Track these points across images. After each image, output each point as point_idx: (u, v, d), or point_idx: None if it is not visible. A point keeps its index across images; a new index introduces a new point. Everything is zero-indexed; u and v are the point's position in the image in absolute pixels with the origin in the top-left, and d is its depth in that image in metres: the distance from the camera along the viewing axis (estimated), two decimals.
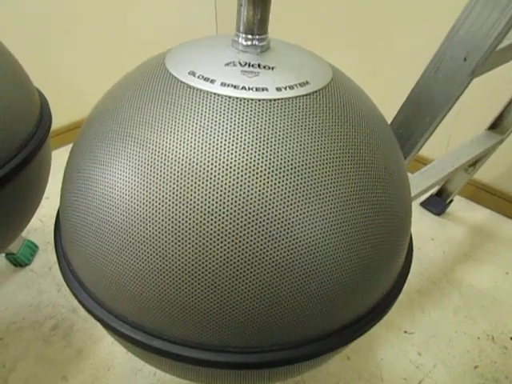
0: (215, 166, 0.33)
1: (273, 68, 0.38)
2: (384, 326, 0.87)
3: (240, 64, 0.37)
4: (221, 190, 0.32)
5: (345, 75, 0.43)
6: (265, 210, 0.32)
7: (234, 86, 0.35)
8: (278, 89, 0.36)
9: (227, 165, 0.32)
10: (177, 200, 0.33)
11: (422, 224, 1.13)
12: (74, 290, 0.42)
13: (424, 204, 1.16)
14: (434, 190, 1.15)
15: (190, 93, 0.35)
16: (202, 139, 0.33)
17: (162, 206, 0.33)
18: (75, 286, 0.42)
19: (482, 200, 1.18)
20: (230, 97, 0.35)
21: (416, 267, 1.00)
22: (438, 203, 1.13)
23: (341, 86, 0.40)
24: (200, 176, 0.33)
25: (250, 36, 0.39)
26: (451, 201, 1.13)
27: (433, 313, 0.90)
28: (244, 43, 0.39)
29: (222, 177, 0.32)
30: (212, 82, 0.36)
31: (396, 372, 0.79)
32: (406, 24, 1.11)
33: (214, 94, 0.35)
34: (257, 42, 0.39)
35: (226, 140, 0.33)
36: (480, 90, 0.94)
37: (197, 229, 0.32)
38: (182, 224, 0.33)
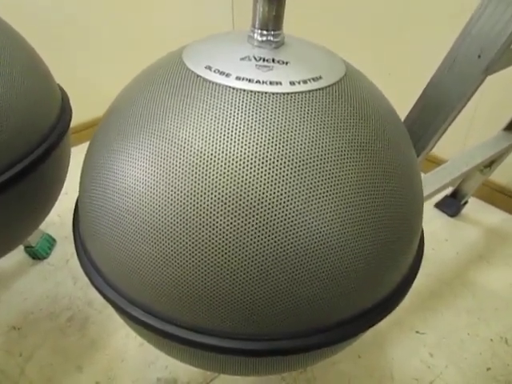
0: (230, 158, 0.34)
1: (287, 63, 0.38)
2: (396, 325, 0.86)
3: (255, 58, 0.38)
4: (236, 182, 0.33)
5: (358, 70, 0.44)
6: (279, 202, 0.33)
7: (249, 80, 0.36)
8: (292, 83, 0.36)
9: (242, 157, 0.33)
10: (192, 191, 0.34)
11: (436, 225, 1.12)
12: (91, 276, 0.43)
13: (438, 205, 1.15)
14: (448, 191, 1.14)
15: (206, 86, 0.36)
16: (218, 131, 0.34)
17: (178, 195, 0.34)
18: (92, 273, 0.44)
19: (497, 202, 1.17)
20: (244, 90, 0.36)
21: (429, 268, 0.99)
22: (452, 204, 1.12)
23: (354, 81, 0.40)
24: (216, 168, 0.34)
25: (265, 32, 0.40)
26: (466, 202, 1.12)
27: (445, 314, 0.89)
28: (259, 38, 0.40)
29: (237, 168, 0.33)
30: (227, 75, 0.37)
31: (407, 372, 0.79)
32: (421, 24, 1.11)
33: (229, 87, 0.36)
34: (271, 38, 0.40)
35: (240, 132, 0.34)
36: (496, 90, 0.93)
37: (211, 218, 0.33)
38: (197, 213, 0.34)
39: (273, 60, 0.38)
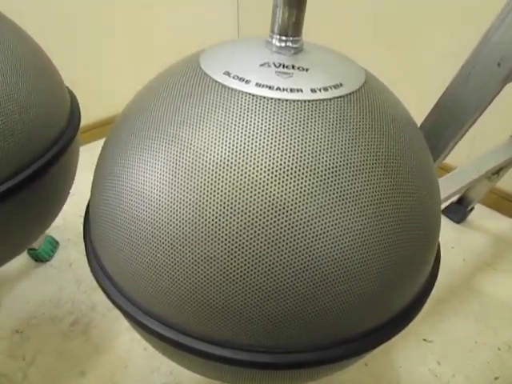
0: (250, 166, 0.33)
1: (307, 69, 0.38)
2: (403, 332, 0.86)
3: (274, 65, 0.38)
4: (255, 190, 0.32)
5: (377, 78, 0.43)
6: (298, 210, 0.32)
7: (269, 87, 0.35)
8: (313, 90, 0.36)
9: (262, 165, 0.33)
10: (211, 199, 0.33)
11: (441, 231, 1.11)
12: (102, 283, 0.42)
13: (444, 211, 1.14)
14: (454, 198, 1.13)
15: (225, 92, 0.36)
16: (238, 139, 0.34)
17: (196, 204, 0.34)
18: (103, 280, 0.43)
19: (504, 209, 1.16)
20: (264, 97, 0.35)
21: None
22: (458, 211, 1.11)
23: (373, 89, 0.40)
24: (235, 176, 0.33)
25: (284, 37, 0.39)
26: (472, 209, 1.11)
27: (453, 321, 0.89)
28: (278, 44, 0.39)
29: (257, 176, 0.33)
30: (247, 82, 0.36)
31: (414, 380, 0.78)
32: (436, 27, 1.11)
33: (249, 94, 0.35)
34: (291, 44, 0.39)
35: (261, 140, 0.33)
36: (504, 96, 0.93)
37: (231, 228, 0.33)
38: (216, 223, 0.33)
39: (293, 66, 0.38)
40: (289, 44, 0.39)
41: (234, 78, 0.36)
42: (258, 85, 0.36)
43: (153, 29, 1.41)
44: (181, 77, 0.40)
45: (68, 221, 1.10)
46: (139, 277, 0.38)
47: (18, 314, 0.89)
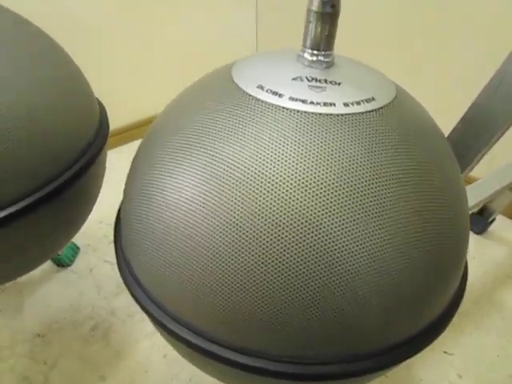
0: (285, 180, 0.33)
1: (339, 83, 0.38)
2: None
3: (307, 79, 0.38)
4: (289, 205, 0.33)
5: (406, 91, 0.43)
6: (331, 224, 0.33)
7: (303, 101, 0.36)
8: (346, 104, 0.36)
9: (297, 179, 0.33)
10: (244, 212, 0.34)
11: None
12: (133, 290, 0.43)
13: None
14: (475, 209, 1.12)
15: (259, 106, 0.36)
16: (272, 152, 0.34)
17: (230, 216, 0.34)
18: (134, 287, 0.43)
19: None
20: (298, 111, 0.35)
21: None
22: (479, 222, 1.10)
23: (404, 103, 0.40)
24: (269, 189, 0.33)
25: (315, 52, 0.40)
26: (493, 220, 1.10)
27: (474, 334, 0.87)
28: (310, 58, 0.40)
29: (292, 191, 0.33)
30: (280, 96, 0.36)
31: None
32: (461, 39, 1.10)
33: (283, 107, 0.36)
34: (322, 58, 0.40)
35: (295, 154, 0.34)
36: None
37: (265, 241, 0.33)
38: (250, 236, 0.33)
39: (325, 80, 0.38)
40: (320, 58, 0.40)
41: (267, 91, 0.37)
42: (291, 98, 0.36)
43: (169, 40, 1.43)
44: (214, 90, 0.40)
45: (88, 227, 1.11)
46: (170, 285, 0.38)
47: (40, 318, 0.91)
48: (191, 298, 0.37)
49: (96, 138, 0.55)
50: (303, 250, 0.33)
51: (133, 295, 0.43)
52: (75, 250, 1.02)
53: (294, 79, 0.38)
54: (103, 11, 1.26)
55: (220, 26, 1.52)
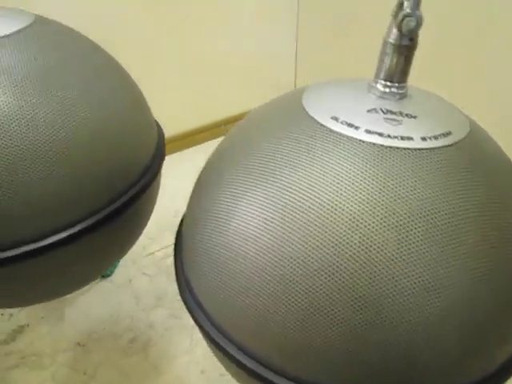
0: (364, 215, 0.33)
1: (415, 116, 0.38)
2: None
3: (382, 111, 0.38)
4: (369, 239, 0.33)
5: (478, 125, 0.42)
6: (409, 261, 0.32)
7: (379, 134, 0.36)
8: (423, 138, 0.36)
9: (376, 214, 0.33)
10: (319, 243, 0.33)
11: None
12: (194, 313, 0.43)
13: None
14: None
15: (335, 138, 0.36)
16: (349, 185, 0.34)
17: (304, 246, 0.34)
18: (196, 310, 0.44)
19: None
20: (374, 144, 0.35)
21: None
22: None
23: (479, 137, 0.39)
24: (347, 223, 0.33)
25: (389, 83, 0.40)
26: None
27: None
28: (383, 90, 0.40)
29: (371, 226, 0.33)
30: (356, 128, 0.36)
31: None
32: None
33: (359, 140, 0.36)
34: (396, 90, 0.40)
35: (373, 188, 0.34)
36: None
37: (340, 274, 0.33)
38: (317, 265, 0.33)
39: (400, 113, 0.38)
40: (394, 90, 0.40)
41: (342, 123, 0.37)
42: (367, 131, 0.36)
43: (206, 52, 1.45)
44: (284, 117, 0.41)
45: None
46: (234, 312, 0.39)
47: (80, 327, 0.92)
48: (253, 325, 0.37)
49: (153, 162, 0.56)
50: (381, 288, 0.32)
51: (195, 319, 0.43)
52: (115, 261, 1.04)
53: (368, 111, 0.38)
54: (141, 22, 1.28)
55: (259, 37, 1.53)
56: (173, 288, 0.99)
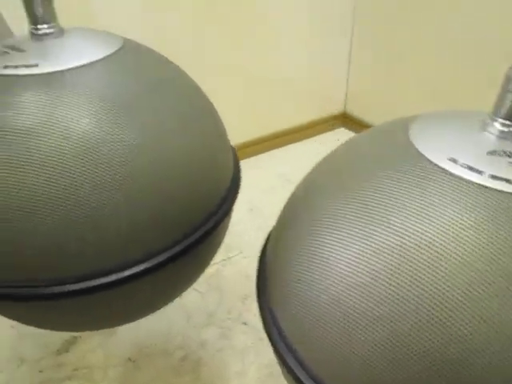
0: (481, 263, 0.30)
1: None
2: None
3: (505, 154, 0.35)
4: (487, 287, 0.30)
5: None
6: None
7: (507, 180, 0.33)
8: None
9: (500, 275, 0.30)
10: (431, 291, 0.31)
11: None
12: (278, 346, 0.41)
13: None
14: None
15: (455, 183, 0.34)
16: (473, 236, 0.31)
17: (408, 292, 0.32)
18: (279, 343, 0.42)
19: None
20: (501, 191, 0.32)
21: None
22: None
23: None
24: (463, 275, 0.31)
25: (508, 122, 0.37)
26: None
27: None
28: (501, 129, 0.37)
29: (493, 279, 0.30)
30: (480, 173, 0.34)
31: None
32: None
33: (484, 186, 0.33)
34: None
35: (501, 239, 0.31)
36: None
37: (440, 320, 0.30)
38: (427, 315, 0.31)
39: None
40: None
41: (462, 166, 0.34)
42: (493, 177, 0.33)
43: (259, 65, 1.44)
44: (390, 154, 0.38)
45: None
46: (322, 351, 0.37)
47: (131, 342, 0.92)
48: (343, 369, 0.35)
49: (229, 192, 0.54)
50: (480, 339, 0.29)
51: (282, 359, 0.41)
52: None
53: (489, 153, 0.35)
54: (197, 36, 1.29)
55: (312, 49, 1.51)
56: (224, 306, 0.97)
